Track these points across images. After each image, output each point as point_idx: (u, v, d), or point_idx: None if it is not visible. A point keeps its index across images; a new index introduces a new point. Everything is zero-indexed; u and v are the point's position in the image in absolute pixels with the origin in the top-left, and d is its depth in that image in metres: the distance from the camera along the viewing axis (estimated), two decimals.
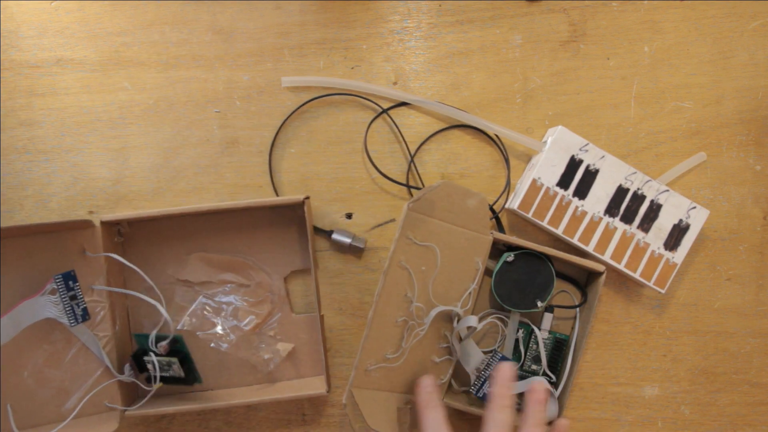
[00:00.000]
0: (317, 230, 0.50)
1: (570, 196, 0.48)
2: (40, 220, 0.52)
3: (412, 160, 0.51)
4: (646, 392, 0.51)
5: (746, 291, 0.51)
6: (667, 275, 0.49)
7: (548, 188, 0.48)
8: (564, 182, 0.48)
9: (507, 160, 0.51)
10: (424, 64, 0.51)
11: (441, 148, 0.51)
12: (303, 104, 0.51)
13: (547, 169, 0.48)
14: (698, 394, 0.51)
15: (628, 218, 0.49)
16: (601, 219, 0.48)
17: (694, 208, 0.49)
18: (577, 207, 0.48)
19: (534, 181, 0.48)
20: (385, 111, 0.51)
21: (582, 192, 0.48)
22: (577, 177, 0.48)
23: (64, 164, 0.52)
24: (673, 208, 0.49)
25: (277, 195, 0.51)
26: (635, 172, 0.48)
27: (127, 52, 0.52)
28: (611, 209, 0.48)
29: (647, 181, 0.48)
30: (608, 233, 0.48)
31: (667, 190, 0.48)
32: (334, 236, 0.49)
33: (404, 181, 0.50)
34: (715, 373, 0.51)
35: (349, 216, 0.51)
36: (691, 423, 0.51)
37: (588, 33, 0.51)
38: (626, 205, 0.48)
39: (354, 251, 0.50)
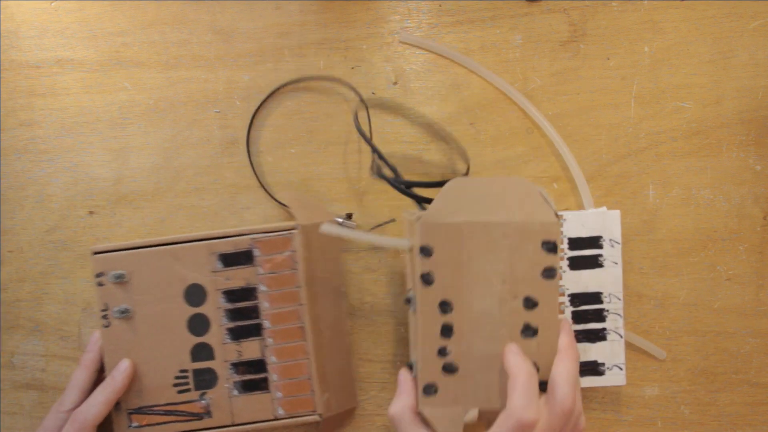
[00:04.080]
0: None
1: (566, 256, 0.48)
2: (40, 220, 0.52)
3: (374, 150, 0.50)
4: (646, 392, 0.51)
5: (746, 291, 0.51)
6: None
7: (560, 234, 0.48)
8: (574, 243, 0.48)
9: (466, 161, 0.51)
10: (424, 64, 0.51)
11: (440, 148, 0.51)
12: (279, 87, 0.51)
13: (577, 222, 0.48)
14: (698, 394, 0.51)
15: (578, 317, 0.48)
16: (563, 294, 0.48)
17: (621, 369, 0.48)
18: (561, 266, 0.48)
19: (558, 215, 0.48)
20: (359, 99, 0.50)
21: (577, 264, 0.48)
22: (586, 252, 0.48)
23: (64, 164, 0.52)
24: (608, 352, 0.48)
25: (267, 191, 0.51)
26: (620, 300, 0.48)
27: (127, 52, 0.52)
28: (576, 298, 0.48)
29: (619, 316, 0.48)
30: None
31: (621, 337, 0.48)
32: (324, 228, 0.46)
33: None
34: (715, 373, 0.51)
35: (349, 216, 0.51)
36: (691, 423, 0.51)
37: (588, 33, 0.51)
38: (588, 308, 0.48)
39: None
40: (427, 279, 0.41)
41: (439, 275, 0.41)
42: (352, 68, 0.51)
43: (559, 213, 0.48)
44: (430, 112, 0.51)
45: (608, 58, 0.51)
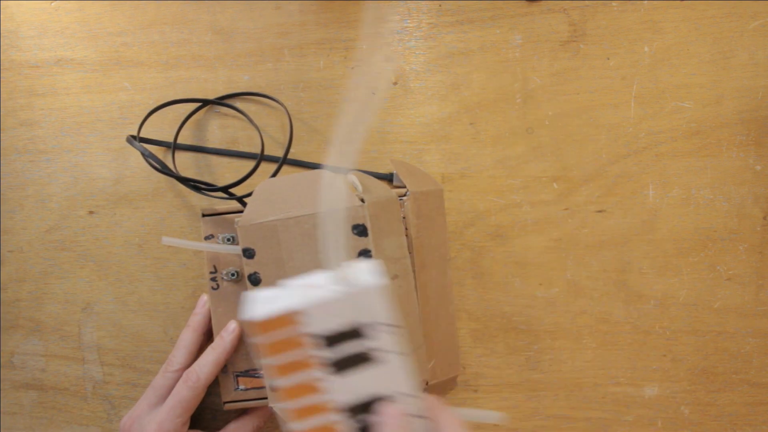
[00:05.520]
0: None
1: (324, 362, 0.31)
2: (40, 220, 0.52)
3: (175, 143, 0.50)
4: (646, 392, 0.51)
5: (746, 291, 0.51)
6: None
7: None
8: (331, 342, 0.31)
9: None
10: (424, 64, 0.51)
11: (440, 148, 0.51)
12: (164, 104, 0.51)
13: (322, 313, 0.30)
14: (698, 394, 0.51)
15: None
16: (336, 411, 0.32)
17: None
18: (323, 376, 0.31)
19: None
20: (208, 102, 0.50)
21: (342, 367, 0.31)
22: (347, 347, 0.31)
23: (64, 164, 0.52)
24: None
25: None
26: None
27: (127, 52, 0.52)
28: (355, 410, 0.32)
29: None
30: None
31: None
32: (165, 240, 0.46)
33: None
34: (715, 373, 0.51)
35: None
36: (690, 423, 0.51)
37: (588, 33, 0.51)
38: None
39: None
40: (254, 279, 0.42)
41: (264, 274, 0.42)
42: (352, 68, 0.51)
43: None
44: (430, 112, 0.51)
45: (608, 58, 0.51)
